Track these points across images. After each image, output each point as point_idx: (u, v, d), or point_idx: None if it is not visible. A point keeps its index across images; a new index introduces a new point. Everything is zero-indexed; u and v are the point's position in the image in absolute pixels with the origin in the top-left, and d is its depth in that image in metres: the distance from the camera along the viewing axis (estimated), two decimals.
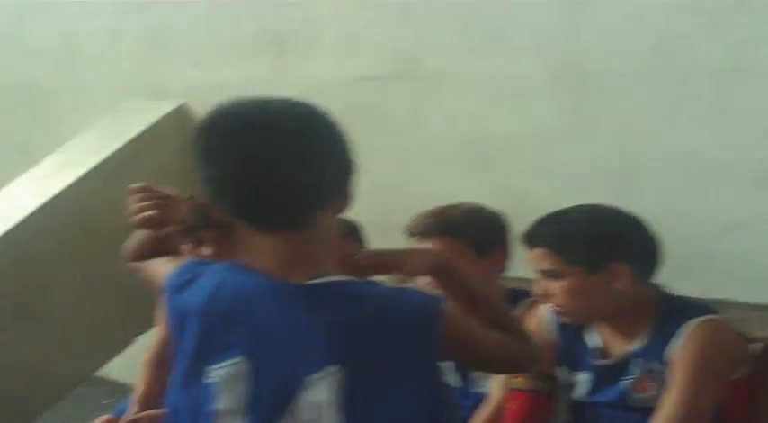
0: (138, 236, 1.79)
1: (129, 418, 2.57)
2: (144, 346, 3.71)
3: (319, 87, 3.30)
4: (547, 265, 1.97)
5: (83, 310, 3.60)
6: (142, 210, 1.68)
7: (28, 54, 4.37)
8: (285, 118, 1.45)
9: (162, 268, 1.67)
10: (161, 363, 2.84)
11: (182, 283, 1.56)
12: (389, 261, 1.69)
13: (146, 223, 1.70)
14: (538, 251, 1.99)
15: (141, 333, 3.75)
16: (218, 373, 1.46)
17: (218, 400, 1.45)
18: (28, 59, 4.38)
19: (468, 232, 2.20)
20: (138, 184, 1.74)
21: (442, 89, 3.08)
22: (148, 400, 2.77)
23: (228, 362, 1.45)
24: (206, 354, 1.48)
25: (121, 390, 4.32)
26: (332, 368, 1.39)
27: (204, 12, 3.65)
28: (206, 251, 2.11)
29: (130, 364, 4.00)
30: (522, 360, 1.63)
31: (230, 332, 1.46)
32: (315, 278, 1.45)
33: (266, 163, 1.42)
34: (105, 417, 2.66)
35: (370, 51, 3.24)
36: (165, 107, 3.71)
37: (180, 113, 3.71)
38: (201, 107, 3.59)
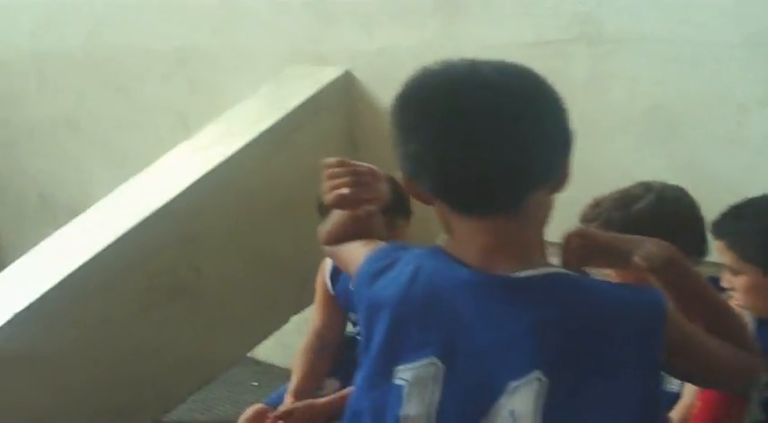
0: (334, 216, 1.88)
1: (282, 410, 3.02)
2: (295, 328, 4.22)
3: (493, 52, 3.66)
4: (726, 259, 2.24)
5: (237, 288, 4.05)
6: (336, 187, 1.72)
7: (186, 19, 4.93)
8: (499, 85, 1.48)
9: (357, 253, 1.73)
10: (316, 352, 3.31)
11: (376, 271, 1.62)
12: (610, 250, 1.68)
13: (341, 202, 1.74)
14: (719, 244, 2.26)
15: (295, 313, 4.25)
16: (407, 374, 1.50)
17: (405, 405, 1.49)
18: (186, 24, 4.95)
19: (658, 231, 2.46)
20: (332, 159, 1.78)
21: (625, 54, 3.37)
22: (303, 392, 3.20)
23: (420, 362, 1.49)
24: (396, 352, 1.53)
25: (269, 371, 4.88)
26: (537, 373, 1.41)
27: None
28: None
29: (278, 345, 4.55)
30: (743, 374, 1.62)
31: (424, 329, 1.50)
32: (523, 269, 1.48)
33: (477, 137, 1.45)
34: (258, 406, 3.13)
35: (548, 13, 3.56)
36: (330, 74, 4.16)
37: (345, 80, 4.15)
38: (367, 74, 4.12)
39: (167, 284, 3.90)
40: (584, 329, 1.43)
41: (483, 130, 1.45)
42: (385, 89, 3.98)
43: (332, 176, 1.74)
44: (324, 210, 3.01)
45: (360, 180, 1.73)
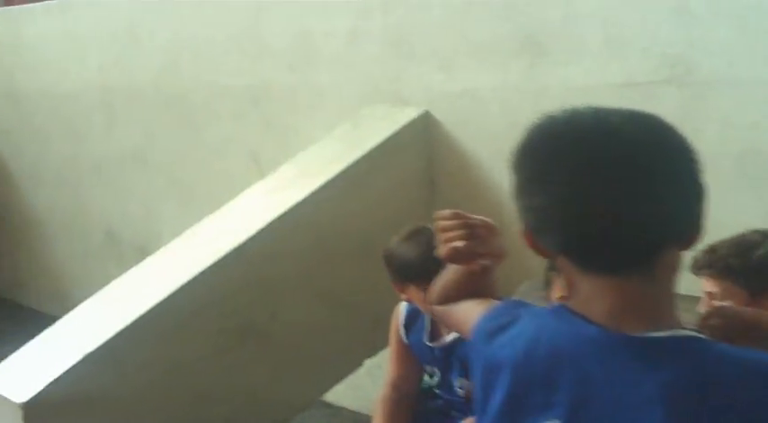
0: (446, 274, 1.87)
1: None
2: (366, 372, 4.23)
3: (579, 94, 3.72)
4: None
5: (310, 330, 4.07)
6: (450, 240, 1.73)
7: (261, 55, 5.00)
8: (630, 135, 1.45)
9: (472, 311, 1.71)
10: (395, 402, 3.32)
11: (494, 330, 1.60)
12: (756, 329, 1.70)
13: (455, 256, 1.74)
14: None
15: (368, 357, 4.25)
16: None
17: None
18: (261, 61, 5.02)
19: (740, 271, 2.41)
20: (446, 211, 1.77)
21: (718, 96, 3.37)
22: None
23: None
24: (518, 413, 1.51)
25: (339, 414, 4.89)
26: None
27: (453, 11, 4.10)
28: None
29: (349, 388, 4.55)
30: None
31: (548, 391, 1.47)
32: (654, 329, 1.44)
33: (609, 191, 1.43)
34: None
35: (637, 55, 3.56)
36: (408, 114, 4.19)
37: (423, 121, 4.18)
38: (446, 115, 4.13)
39: (240, 327, 3.92)
40: (722, 397, 1.37)
41: (616, 183, 1.43)
42: (465, 131, 4.08)
43: (445, 229, 1.74)
44: (391, 260, 3.05)
45: (474, 233, 1.72)
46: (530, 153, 1.52)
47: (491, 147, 4.02)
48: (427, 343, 3.17)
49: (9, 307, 7.26)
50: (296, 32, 4.81)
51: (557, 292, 2.54)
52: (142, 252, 6.08)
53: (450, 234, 1.73)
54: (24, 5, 7.48)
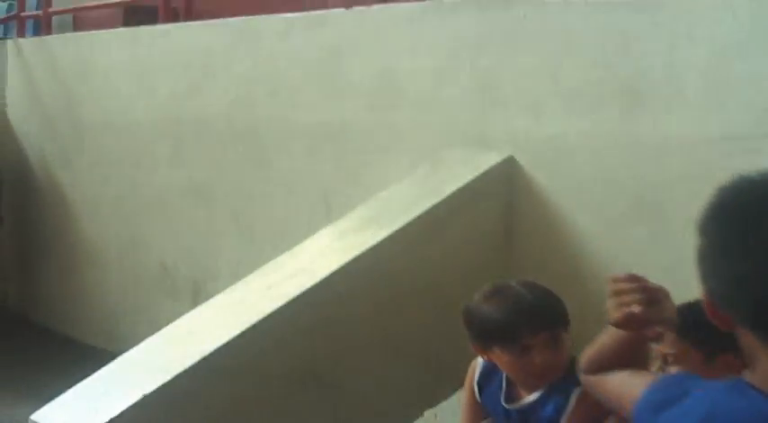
0: (603, 339, 1.84)
1: None
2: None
3: (676, 146, 3.64)
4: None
5: (374, 377, 4.00)
6: (625, 304, 1.71)
7: (340, 92, 4.99)
8: None
9: (633, 382, 1.70)
10: None
11: (661, 404, 1.57)
12: None
13: (630, 321, 1.72)
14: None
15: (430, 406, 4.17)
16: None
17: None
18: (339, 98, 5.00)
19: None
20: (621, 274, 1.76)
21: None
22: None
23: None
24: None
25: None
26: None
27: (544, 55, 4.06)
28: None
29: None
30: None
31: None
32: None
33: None
34: None
35: (739, 107, 3.49)
36: (491, 158, 4.13)
37: (507, 166, 4.12)
38: (532, 161, 4.06)
39: (303, 371, 3.87)
40: None
41: None
42: (551, 179, 4.00)
43: (620, 293, 1.72)
44: (473, 321, 2.95)
45: (651, 298, 1.71)
46: (725, 215, 1.45)
47: (577, 196, 3.95)
48: (503, 404, 3.07)
49: (59, 338, 7.25)
50: (378, 71, 4.80)
51: (665, 348, 2.43)
52: (198, 287, 6.08)
53: (626, 298, 1.71)
54: (93, 32, 7.56)
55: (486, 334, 2.91)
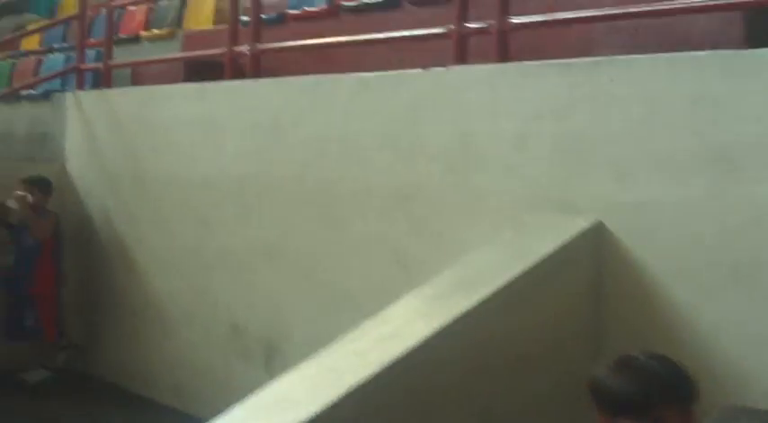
0: None
1: None
2: None
3: None
4: None
5: None
6: None
7: (416, 154, 5.04)
8: None
9: None
10: None
11: None
12: None
13: None
14: None
15: None
16: None
17: None
18: (415, 160, 5.05)
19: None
20: None
21: None
22: None
23: None
24: None
25: None
26: None
27: (633, 120, 4.10)
28: None
29: None
30: None
31: None
32: None
33: None
34: None
35: None
36: (578, 224, 4.16)
37: (596, 232, 4.14)
38: (621, 227, 4.10)
39: None
40: None
41: None
42: (643, 245, 4.04)
43: None
44: (602, 393, 2.97)
45: None
46: None
47: (670, 264, 3.97)
48: None
49: (124, 396, 7.30)
50: (456, 133, 4.85)
51: None
52: (269, 348, 6.12)
53: None
54: (157, 86, 7.68)
55: (616, 406, 2.95)
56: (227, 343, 6.53)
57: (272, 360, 5.97)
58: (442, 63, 5.13)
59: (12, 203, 7.67)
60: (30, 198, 7.63)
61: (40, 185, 7.73)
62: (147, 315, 7.32)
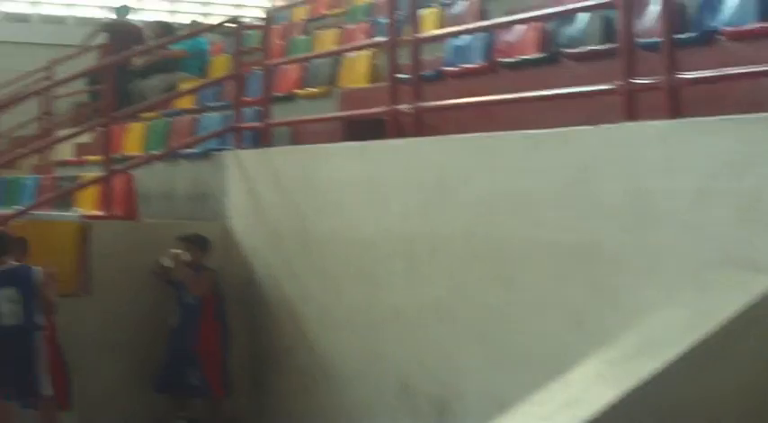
0: None
1: None
2: None
3: None
4: None
5: None
6: None
7: (590, 212, 5.10)
8: None
9: None
10: None
11: None
12: None
13: None
14: None
15: None
16: None
17: None
18: (589, 218, 5.11)
19: None
20: None
21: None
22: None
23: None
24: None
25: None
26: None
27: None
28: None
29: None
30: None
31: None
32: None
33: None
34: None
35: None
36: (764, 283, 4.13)
37: None
38: None
39: None
40: None
41: None
42: None
43: None
44: None
45: None
46: None
47: None
48: None
49: None
50: (631, 190, 4.89)
51: None
52: (440, 407, 6.20)
53: None
54: (319, 145, 7.87)
55: None
56: (397, 402, 6.63)
57: (443, 419, 6.06)
58: (605, 118, 5.19)
59: (166, 261, 7.96)
60: (185, 255, 7.90)
61: (196, 242, 8.00)
62: (314, 373, 7.47)
